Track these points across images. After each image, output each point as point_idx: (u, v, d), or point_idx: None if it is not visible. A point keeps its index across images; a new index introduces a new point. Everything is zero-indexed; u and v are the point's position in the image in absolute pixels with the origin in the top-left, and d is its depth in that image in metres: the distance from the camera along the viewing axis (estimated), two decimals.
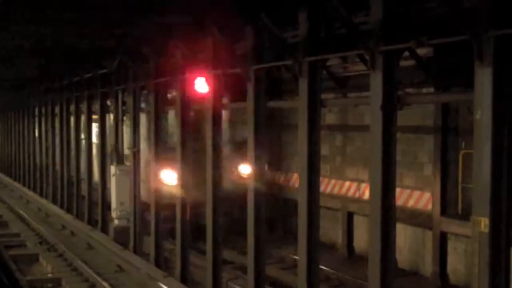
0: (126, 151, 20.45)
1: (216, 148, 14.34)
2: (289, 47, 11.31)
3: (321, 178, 11.33)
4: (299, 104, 11.20)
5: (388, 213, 9.38)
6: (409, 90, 14.10)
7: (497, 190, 7.78)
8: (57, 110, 28.35)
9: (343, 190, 20.41)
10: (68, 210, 25.88)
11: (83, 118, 25.16)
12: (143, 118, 20.63)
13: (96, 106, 23.20)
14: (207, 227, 14.49)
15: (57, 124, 28.41)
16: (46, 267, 18.29)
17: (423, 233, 17.47)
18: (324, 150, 19.70)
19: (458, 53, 10.49)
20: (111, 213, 20.74)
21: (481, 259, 7.88)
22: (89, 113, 24.17)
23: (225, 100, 16.64)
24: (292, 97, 14.94)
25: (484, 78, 7.74)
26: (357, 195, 19.80)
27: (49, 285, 16.63)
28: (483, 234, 7.83)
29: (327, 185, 20.74)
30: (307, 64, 10.82)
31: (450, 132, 15.94)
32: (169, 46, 15.23)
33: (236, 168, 21.00)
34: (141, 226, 18.96)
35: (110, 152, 21.46)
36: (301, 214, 11.19)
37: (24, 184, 35.41)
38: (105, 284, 15.62)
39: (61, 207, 26.80)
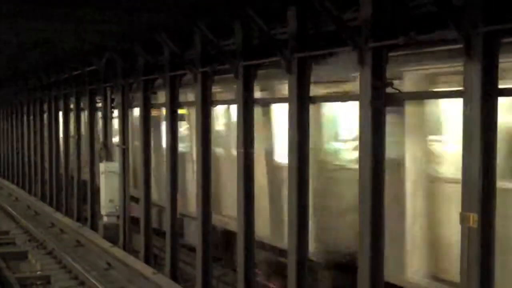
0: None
1: None
2: (278, 44, 11.31)
3: None
4: (289, 100, 11.22)
5: (378, 211, 9.39)
6: None
7: (486, 186, 7.80)
8: (45, 107, 28.26)
9: None
10: (57, 208, 25.81)
11: (71, 115, 25.07)
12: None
13: (85, 103, 23.14)
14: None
15: (45, 122, 28.32)
16: (35, 265, 18.23)
17: None
18: None
19: None
20: (100, 210, 20.70)
21: (470, 255, 7.90)
22: (78, 110, 24.10)
23: None
24: None
25: (472, 74, 7.75)
26: None
27: (38, 282, 16.56)
28: (472, 230, 7.85)
29: None
30: (296, 60, 10.83)
31: None
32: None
33: None
34: (130, 223, 18.95)
35: (99, 150, 21.42)
36: None
37: (13, 182, 35.30)
38: (94, 281, 15.60)
39: (50, 204, 26.73)
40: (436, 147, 10.41)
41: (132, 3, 11.84)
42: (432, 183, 10.25)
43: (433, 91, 9.62)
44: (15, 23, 13.90)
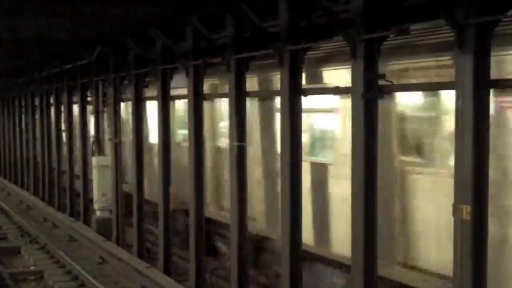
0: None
1: None
2: (270, 37, 11.28)
3: None
4: (281, 92, 11.19)
5: (371, 203, 9.38)
6: None
7: (479, 178, 7.79)
8: (37, 101, 28.17)
9: None
10: (50, 202, 25.75)
11: (63, 109, 24.99)
12: None
13: (77, 97, 23.07)
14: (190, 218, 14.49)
15: (37, 116, 28.23)
16: (28, 260, 18.18)
17: None
18: None
19: None
20: (93, 204, 20.64)
21: (463, 247, 7.89)
22: (70, 104, 24.03)
23: None
24: None
25: (464, 66, 7.73)
26: None
27: (31, 277, 16.54)
28: (465, 222, 7.84)
29: None
30: (288, 53, 10.80)
31: None
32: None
33: None
34: (123, 218, 18.90)
35: (92, 144, 21.36)
36: None
37: (5, 177, 35.18)
38: (88, 276, 15.56)
39: (43, 199, 26.67)
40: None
41: None
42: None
43: (424, 83, 9.59)
44: (8, 19, 13.83)
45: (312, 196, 12.25)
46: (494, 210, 8.15)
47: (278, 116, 12.17)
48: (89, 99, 22.48)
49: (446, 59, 8.93)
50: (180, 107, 17.86)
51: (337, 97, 11.35)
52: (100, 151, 20.75)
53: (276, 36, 11.02)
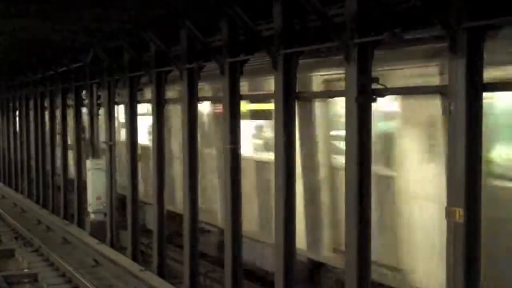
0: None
1: None
2: (264, 40, 11.32)
3: None
4: (275, 96, 11.22)
5: (365, 206, 9.42)
6: None
7: (472, 181, 7.83)
8: (31, 104, 28.15)
9: None
10: (44, 205, 25.73)
11: (58, 112, 24.98)
12: None
13: (71, 100, 23.08)
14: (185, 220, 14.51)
15: (31, 119, 28.22)
16: (22, 263, 18.18)
17: None
18: None
19: None
20: (87, 207, 20.64)
21: (456, 250, 7.93)
22: (64, 107, 24.03)
23: None
24: None
25: (457, 70, 7.77)
26: None
27: (25, 280, 16.55)
28: (458, 225, 7.88)
29: None
30: (282, 57, 10.83)
31: None
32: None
33: None
34: (117, 220, 18.91)
35: (86, 147, 21.36)
36: None
37: None
38: (81, 278, 15.58)
39: (37, 202, 26.65)
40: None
41: (119, 1, 11.82)
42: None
43: (416, 87, 9.64)
44: (2, 22, 13.84)
45: None
46: None
47: None
48: (84, 101, 22.49)
49: None
50: None
51: None
52: (95, 154, 20.75)
53: (270, 40, 11.06)
